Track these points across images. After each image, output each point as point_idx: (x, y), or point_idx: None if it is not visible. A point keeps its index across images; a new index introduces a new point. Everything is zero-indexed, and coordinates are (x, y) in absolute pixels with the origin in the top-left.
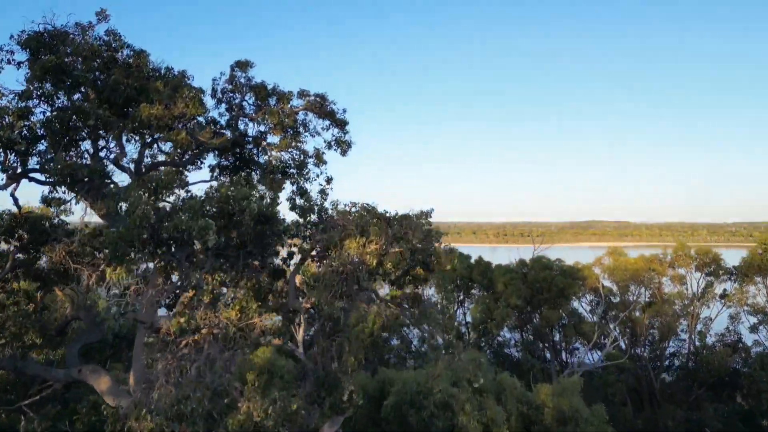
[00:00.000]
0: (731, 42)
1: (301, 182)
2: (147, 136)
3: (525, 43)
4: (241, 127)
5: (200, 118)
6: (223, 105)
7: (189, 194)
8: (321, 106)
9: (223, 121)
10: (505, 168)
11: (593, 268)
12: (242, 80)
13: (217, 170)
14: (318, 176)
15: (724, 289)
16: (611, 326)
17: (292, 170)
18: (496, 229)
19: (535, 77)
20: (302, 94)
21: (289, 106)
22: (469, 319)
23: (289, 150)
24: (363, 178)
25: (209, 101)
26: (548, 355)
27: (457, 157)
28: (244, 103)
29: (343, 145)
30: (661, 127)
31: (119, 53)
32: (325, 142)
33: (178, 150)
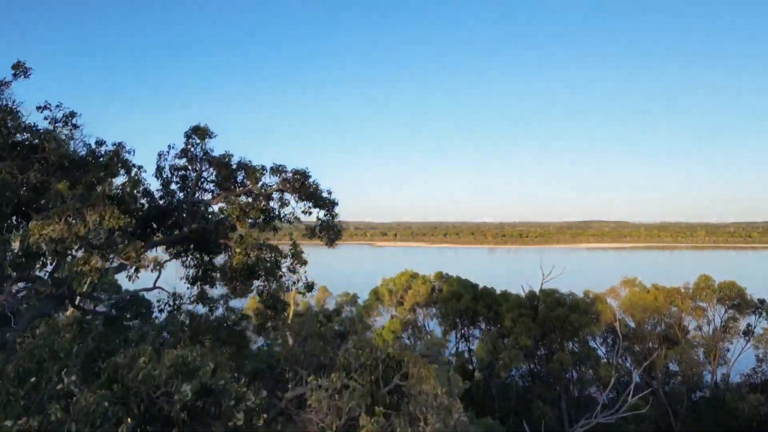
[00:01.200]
0: (731, 42)
1: (273, 286)
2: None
3: (523, 42)
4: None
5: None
6: (174, 185)
7: None
8: (301, 185)
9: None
10: (503, 168)
11: (607, 298)
12: (199, 152)
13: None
14: (295, 283)
15: (748, 324)
16: (632, 371)
17: (260, 273)
18: (494, 229)
19: (534, 77)
20: (276, 170)
21: (259, 184)
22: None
23: (258, 245)
24: (356, 176)
25: (154, 182)
26: (562, 402)
27: (455, 158)
28: (202, 181)
29: (330, 232)
30: (660, 127)
31: (19, 135)
32: (307, 229)
33: None
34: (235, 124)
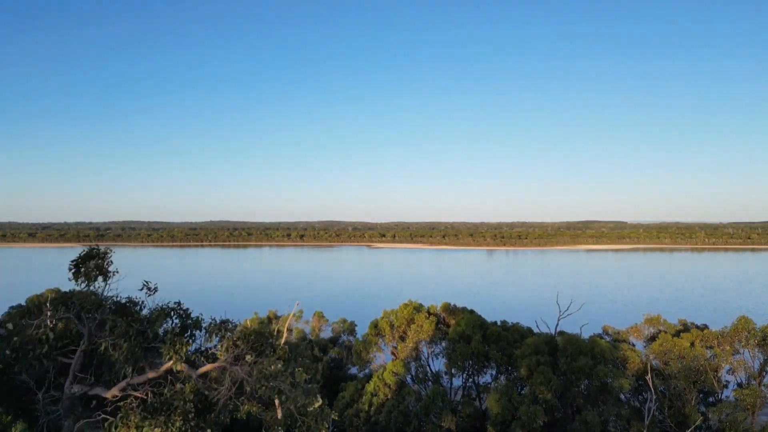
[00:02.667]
0: (730, 43)
1: None
2: None
3: (523, 42)
4: None
5: None
6: None
7: None
8: None
9: None
10: (502, 168)
11: (630, 337)
12: None
13: None
14: None
15: None
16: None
17: None
18: (492, 229)
19: (533, 77)
20: None
21: None
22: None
23: None
24: (356, 176)
25: None
26: None
27: (454, 158)
28: None
29: None
30: (658, 127)
31: None
32: None
33: None
34: (233, 124)
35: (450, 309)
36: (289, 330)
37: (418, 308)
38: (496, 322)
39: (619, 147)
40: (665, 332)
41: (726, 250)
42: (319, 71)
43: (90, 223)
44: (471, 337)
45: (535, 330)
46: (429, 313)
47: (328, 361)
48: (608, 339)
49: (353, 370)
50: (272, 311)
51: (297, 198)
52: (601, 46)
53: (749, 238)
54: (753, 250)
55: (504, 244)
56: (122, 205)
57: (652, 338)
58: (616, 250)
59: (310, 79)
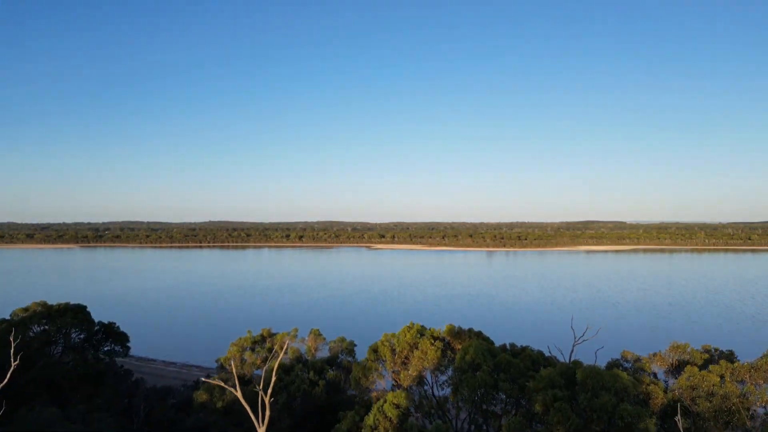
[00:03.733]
0: (730, 43)
1: None
2: None
3: (522, 42)
4: None
5: None
6: None
7: None
8: None
9: None
10: (501, 168)
11: (652, 365)
12: None
13: None
14: None
15: None
16: None
17: None
18: (492, 229)
19: (532, 77)
20: None
21: None
22: None
23: None
24: (355, 176)
25: None
26: None
27: (453, 158)
28: None
29: None
30: (657, 126)
31: None
32: None
33: None
34: (232, 124)
35: (455, 332)
36: (284, 352)
37: (421, 331)
38: (505, 346)
39: (618, 147)
40: (693, 364)
41: (726, 251)
42: (318, 71)
43: (89, 223)
44: (479, 365)
45: (546, 353)
46: (433, 337)
47: (325, 384)
48: (627, 366)
49: (353, 391)
50: (267, 329)
51: (296, 198)
52: (600, 46)
53: (749, 239)
54: (753, 251)
55: (504, 245)
56: (121, 206)
57: (677, 368)
58: (616, 251)
59: (309, 78)
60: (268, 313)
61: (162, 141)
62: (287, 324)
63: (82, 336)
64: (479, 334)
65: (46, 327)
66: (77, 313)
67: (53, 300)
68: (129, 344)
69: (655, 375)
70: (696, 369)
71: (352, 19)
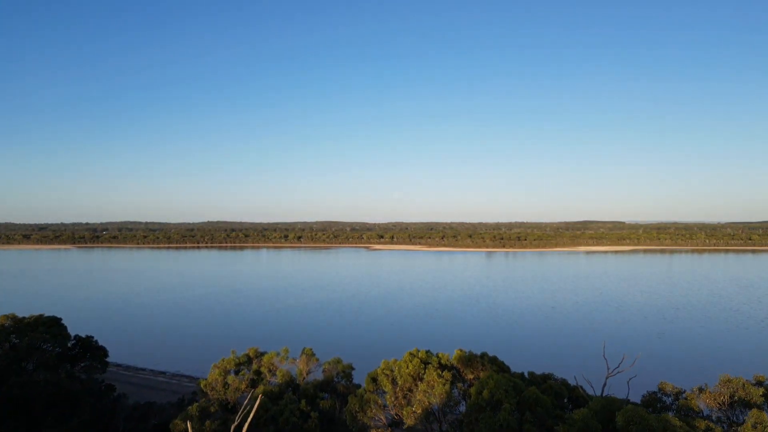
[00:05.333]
0: (730, 43)
1: None
2: None
3: (522, 43)
4: None
5: None
6: None
7: None
8: None
9: None
10: (500, 168)
11: (699, 403)
12: None
13: None
14: None
15: None
16: None
17: None
18: (490, 229)
19: (532, 77)
20: None
21: None
22: None
23: None
24: (354, 176)
25: None
26: None
27: (453, 157)
28: None
29: None
30: (655, 126)
31: None
32: None
33: None
34: (230, 124)
35: (466, 359)
36: (272, 372)
37: (425, 360)
38: (523, 375)
39: (616, 147)
40: (752, 404)
41: (727, 251)
42: (317, 71)
43: (87, 224)
44: (499, 402)
45: (571, 381)
46: (440, 365)
47: (318, 416)
48: (668, 402)
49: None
50: (253, 349)
51: (295, 198)
52: (600, 46)
53: (750, 239)
54: (754, 251)
55: (503, 246)
56: (120, 206)
57: (730, 406)
58: (616, 252)
59: (307, 78)
60: (261, 318)
61: (161, 141)
62: (280, 331)
63: (56, 351)
64: (494, 361)
65: (16, 342)
66: (50, 327)
67: (35, 309)
68: (108, 359)
69: (709, 417)
70: (762, 414)
71: (352, 17)
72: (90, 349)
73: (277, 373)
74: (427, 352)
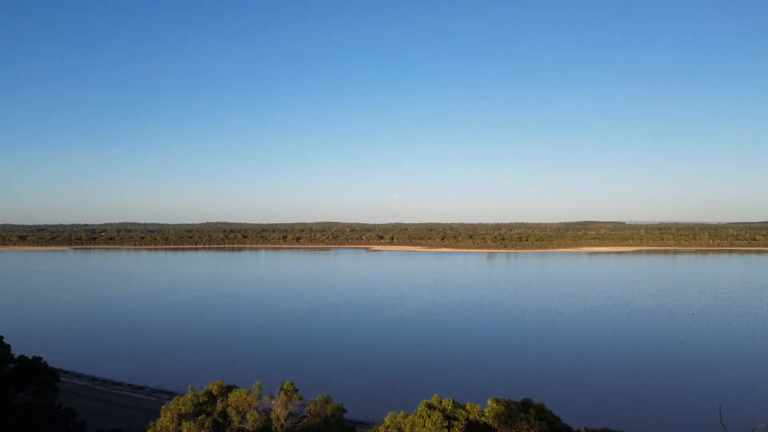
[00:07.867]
0: (730, 41)
1: None
2: None
3: (522, 43)
4: None
5: None
6: None
7: None
8: None
9: None
10: (500, 168)
11: None
12: None
13: None
14: None
15: None
16: None
17: None
18: (491, 230)
19: (532, 78)
20: None
21: None
22: None
23: None
24: (354, 176)
25: None
26: None
27: (452, 158)
28: None
29: None
30: (655, 126)
31: None
32: None
33: None
34: (229, 124)
35: (505, 416)
36: (242, 413)
37: (449, 415)
38: None
39: (616, 147)
40: None
41: (731, 251)
42: (317, 73)
43: (86, 225)
44: None
45: None
46: (469, 424)
47: None
48: None
49: None
50: (217, 384)
51: (294, 198)
52: (600, 45)
53: (754, 239)
54: (758, 252)
55: (504, 247)
56: (119, 207)
57: None
58: (619, 253)
59: (307, 80)
60: (251, 325)
61: (161, 143)
62: (268, 344)
63: None
64: (542, 412)
65: None
66: None
67: (6, 316)
68: (81, 373)
69: None
70: None
71: (352, 18)
72: (36, 373)
73: (248, 417)
74: (454, 402)
